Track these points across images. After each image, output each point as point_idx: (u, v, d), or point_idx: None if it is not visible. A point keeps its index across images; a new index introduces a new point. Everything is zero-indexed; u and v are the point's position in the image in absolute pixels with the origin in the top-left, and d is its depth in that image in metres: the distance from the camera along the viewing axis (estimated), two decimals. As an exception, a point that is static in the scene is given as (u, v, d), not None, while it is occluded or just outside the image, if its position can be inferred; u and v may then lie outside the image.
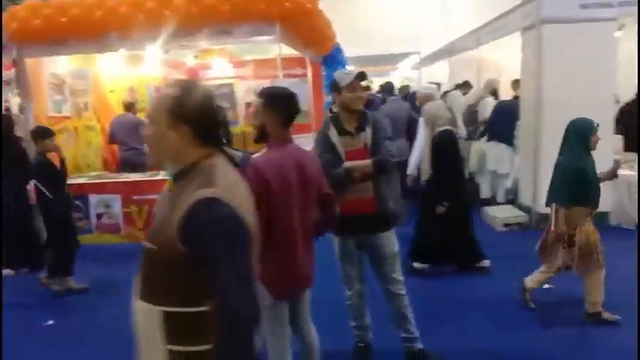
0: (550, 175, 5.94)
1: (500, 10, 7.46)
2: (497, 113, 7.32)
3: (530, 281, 4.18)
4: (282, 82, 6.61)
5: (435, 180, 4.77)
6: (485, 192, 7.73)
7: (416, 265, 5.12)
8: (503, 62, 9.69)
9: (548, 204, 3.89)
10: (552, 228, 3.70)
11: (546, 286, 4.63)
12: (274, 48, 6.40)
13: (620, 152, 6.69)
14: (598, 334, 3.81)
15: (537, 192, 6.30)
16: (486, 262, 5.10)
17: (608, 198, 6.15)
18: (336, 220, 2.85)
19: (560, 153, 3.85)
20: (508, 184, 7.30)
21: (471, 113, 8.19)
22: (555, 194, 3.75)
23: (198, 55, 10.12)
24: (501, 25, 7.61)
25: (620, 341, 3.66)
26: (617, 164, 4.16)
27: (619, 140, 6.83)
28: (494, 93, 8.15)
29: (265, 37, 6.34)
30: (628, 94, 7.38)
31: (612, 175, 4.05)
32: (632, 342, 3.44)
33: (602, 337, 3.77)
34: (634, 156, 6.67)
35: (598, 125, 3.73)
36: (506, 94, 8.59)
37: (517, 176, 7.08)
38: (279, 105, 2.53)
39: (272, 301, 2.55)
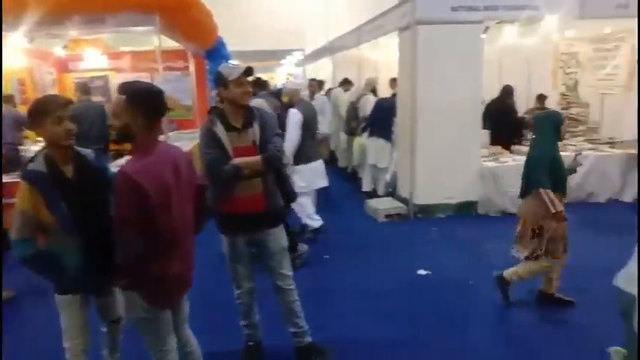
0: (426, 169, 6.25)
1: (380, 10, 7.77)
2: (377, 110, 7.65)
3: (514, 274, 4.08)
4: (163, 76, 6.36)
5: None
6: (367, 185, 8.05)
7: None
8: (382, 61, 10.13)
9: (524, 195, 3.97)
10: (552, 211, 3.70)
11: (422, 272, 4.92)
12: (154, 39, 6.12)
13: (486, 145, 7.28)
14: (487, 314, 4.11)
15: (414, 184, 6.70)
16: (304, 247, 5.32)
17: (476, 189, 6.70)
18: (209, 209, 2.75)
19: (532, 146, 3.97)
20: (387, 177, 7.66)
21: (353, 110, 8.50)
22: (537, 182, 3.78)
23: (68, 45, 9.45)
24: (379, 24, 7.93)
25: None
26: (576, 161, 4.29)
27: (486, 134, 7.45)
28: (374, 90, 8.53)
29: (143, 28, 6.05)
30: (492, 94, 8.04)
31: (574, 168, 4.25)
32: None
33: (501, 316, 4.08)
34: (499, 149, 7.31)
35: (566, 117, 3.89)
36: (384, 91, 9.00)
37: (395, 170, 7.44)
38: (145, 104, 2.24)
39: (153, 312, 2.38)
